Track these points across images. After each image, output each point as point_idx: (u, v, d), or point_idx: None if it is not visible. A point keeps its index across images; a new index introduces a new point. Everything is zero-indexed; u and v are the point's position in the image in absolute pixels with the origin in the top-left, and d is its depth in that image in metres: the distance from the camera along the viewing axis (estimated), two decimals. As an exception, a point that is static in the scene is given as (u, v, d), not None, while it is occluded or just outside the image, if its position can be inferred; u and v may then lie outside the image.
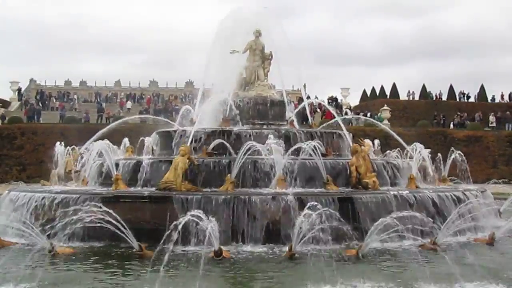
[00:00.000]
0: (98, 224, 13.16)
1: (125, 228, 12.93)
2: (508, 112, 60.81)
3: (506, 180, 29.10)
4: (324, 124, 26.79)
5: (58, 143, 22.53)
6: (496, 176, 39.51)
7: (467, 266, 11.01)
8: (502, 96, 71.56)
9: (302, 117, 24.62)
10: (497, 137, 52.75)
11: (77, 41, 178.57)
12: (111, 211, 13.21)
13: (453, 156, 22.57)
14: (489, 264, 11.99)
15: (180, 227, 11.95)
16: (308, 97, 46.17)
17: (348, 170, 17.15)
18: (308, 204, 13.39)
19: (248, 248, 13.68)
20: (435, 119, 58.93)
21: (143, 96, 78.75)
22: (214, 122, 21.43)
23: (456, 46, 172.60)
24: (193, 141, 18.77)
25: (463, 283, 9.76)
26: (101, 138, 20.16)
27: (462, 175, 23.82)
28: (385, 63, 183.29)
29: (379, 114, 56.28)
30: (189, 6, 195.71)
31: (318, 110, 55.22)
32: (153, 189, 16.34)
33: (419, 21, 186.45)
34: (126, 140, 22.71)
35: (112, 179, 17.12)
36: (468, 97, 71.84)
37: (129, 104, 66.82)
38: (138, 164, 17.88)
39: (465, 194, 17.37)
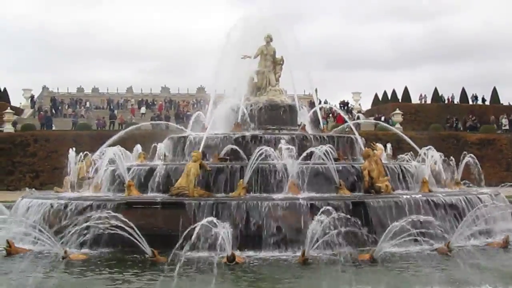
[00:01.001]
0: (111, 231, 13.21)
1: (138, 234, 12.96)
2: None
3: (520, 183, 28.82)
4: (336, 129, 26.75)
5: (70, 149, 22.58)
6: (509, 179, 39.16)
7: (481, 270, 10.96)
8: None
9: (314, 122, 24.53)
10: (510, 140, 52.47)
11: (89, 48, 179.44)
12: (124, 217, 13.27)
13: (466, 159, 22.45)
14: (503, 267, 11.92)
15: (193, 233, 11.98)
16: (321, 102, 46.13)
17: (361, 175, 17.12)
18: (321, 209, 13.38)
19: (261, 253, 13.68)
20: (448, 122, 58.69)
21: (155, 102, 78.92)
22: (226, 128, 21.44)
23: (467, 49, 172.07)
24: (205, 147, 18.77)
25: (475, 286, 9.70)
26: (114, 144, 20.21)
27: (475, 178, 23.67)
28: (396, 67, 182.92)
29: (392, 118, 56.10)
30: (201, 12, 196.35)
31: (330, 115, 55.19)
32: (166, 195, 16.36)
33: (430, 25, 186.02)
34: (138, 146, 22.74)
35: (124, 185, 17.16)
36: (484, 100, 71.44)
37: (143, 110, 67.02)
38: (151, 170, 17.91)
39: (478, 198, 17.27)
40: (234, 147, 18.68)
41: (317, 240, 12.57)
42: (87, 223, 13.73)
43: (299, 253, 12.78)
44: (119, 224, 13.08)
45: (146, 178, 17.72)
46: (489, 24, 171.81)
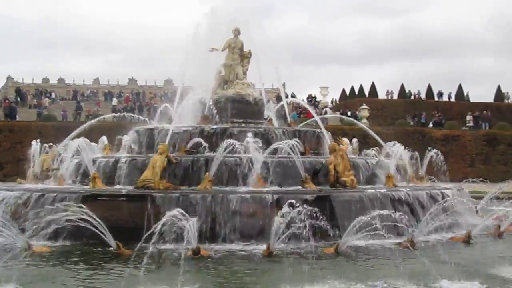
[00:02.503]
0: (76, 223, 13.08)
1: (102, 227, 12.86)
2: (485, 112, 61.46)
3: (483, 178, 29.27)
4: (303, 123, 26.86)
5: (34, 141, 22.30)
6: (473, 175, 39.71)
7: (442, 263, 11.09)
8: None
9: (282, 116, 24.64)
10: (474, 136, 53.25)
11: (55, 39, 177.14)
12: (88, 209, 13.15)
13: (430, 154, 22.72)
14: (464, 261, 12.10)
15: (158, 225, 11.93)
16: (288, 96, 46.21)
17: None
18: (286, 202, 13.43)
19: (226, 246, 13.68)
20: (415, 118, 59.35)
21: (122, 94, 78.34)
22: (192, 121, 21.40)
23: (434, 46, 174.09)
24: (172, 139, 18.71)
25: (438, 281, 9.85)
26: (79, 136, 20.01)
27: (439, 173, 23.96)
28: (364, 63, 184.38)
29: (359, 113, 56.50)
30: (169, 4, 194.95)
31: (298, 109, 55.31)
32: (131, 187, 16.27)
33: (397, 21, 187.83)
34: (104, 138, 22.56)
35: (89, 177, 17.02)
36: (450, 97, 72.40)
37: (114, 101, 66.52)
38: (117, 162, 17.80)
39: (442, 193, 17.53)
40: (201, 140, 18.65)
41: (282, 234, 12.59)
42: (51, 216, 13.54)
43: (264, 246, 12.80)
44: (84, 217, 12.94)
45: (111, 170, 17.63)
46: (456, 22, 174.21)
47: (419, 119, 59.18)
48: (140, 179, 16.06)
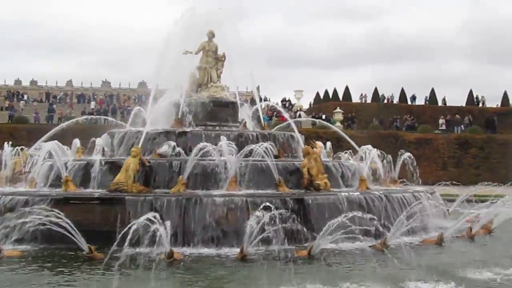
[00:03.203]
0: (48, 227, 12.95)
1: (74, 231, 12.75)
2: (457, 115, 62.10)
3: (455, 182, 29.60)
4: (278, 126, 26.90)
5: (6, 143, 22.02)
6: (445, 178, 40.08)
7: (414, 266, 11.19)
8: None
9: (256, 119, 24.66)
10: (447, 139, 53.80)
11: (27, 40, 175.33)
12: (60, 213, 13.02)
13: (403, 157, 22.88)
14: (436, 263, 12.22)
15: (131, 229, 11.86)
16: (261, 99, 46.26)
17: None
18: (260, 206, 13.44)
19: (199, 250, 13.63)
20: (394, 122, 59.78)
21: (95, 97, 77.82)
22: (166, 123, 21.32)
23: (407, 50, 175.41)
24: (145, 142, 18.63)
25: (409, 282, 9.95)
26: (52, 138, 19.83)
27: (412, 176, 24.14)
28: (338, 66, 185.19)
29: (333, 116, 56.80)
30: (143, 6, 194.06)
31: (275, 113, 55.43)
32: (104, 190, 16.15)
33: (371, 25, 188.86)
34: (76, 141, 22.37)
35: (61, 180, 16.86)
36: (427, 101, 73.03)
37: (92, 104, 66.00)
38: (89, 165, 17.65)
39: (414, 196, 17.67)
40: (174, 143, 18.59)
41: (256, 237, 12.60)
42: (23, 219, 13.41)
43: (238, 250, 12.78)
44: (56, 220, 12.82)
45: (84, 174, 17.47)
46: (428, 26, 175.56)
47: (392, 122, 59.57)
48: (113, 182, 15.95)
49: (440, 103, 72.53)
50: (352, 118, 59.39)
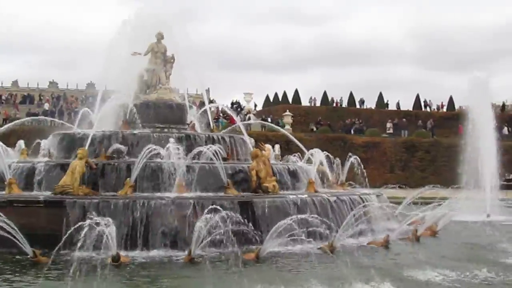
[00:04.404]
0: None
1: (18, 234, 12.48)
2: (404, 119, 63.16)
3: (402, 184, 30.06)
4: (227, 129, 26.88)
5: None
6: (392, 181, 40.76)
7: (360, 267, 11.33)
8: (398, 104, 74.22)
9: (205, 121, 24.60)
10: (394, 143, 54.66)
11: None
12: (4, 216, 12.73)
13: (350, 160, 23.11)
14: (381, 265, 12.39)
15: (77, 232, 11.68)
16: (211, 102, 46.15)
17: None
18: (208, 208, 13.39)
19: (147, 253, 13.54)
20: (346, 126, 60.43)
21: (42, 98, 76.41)
22: (114, 125, 21.06)
23: (355, 55, 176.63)
24: (92, 144, 18.37)
25: (354, 284, 10.07)
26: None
27: (359, 179, 24.40)
28: (287, 69, 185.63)
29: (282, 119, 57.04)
30: (91, 6, 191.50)
31: (221, 114, 55.32)
32: (49, 193, 15.86)
33: (319, 30, 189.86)
34: (21, 142, 21.88)
35: (5, 183, 16.48)
36: (387, 105, 73.91)
37: (46, 106, 64.65)
38: (34, 167, 17.31)
39: (361, 198, 17.88)
40: (121, 146, 18.37)
41: (204, 239, 12.55)
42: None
43: (185, 253, 12.71)
44: (-1, 224, 12.53)
45: (28, 176, 17.12)
46: (376, 31, 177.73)
47: (340, 126, 60.27)
48: (59, 184, 15.67)
49: (390, 107, 73.54)
50: (319, 122, 59.98)
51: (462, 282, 10.75)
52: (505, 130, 54.62)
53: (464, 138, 26.91)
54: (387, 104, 74.22)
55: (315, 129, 58.47)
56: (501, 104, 72.79)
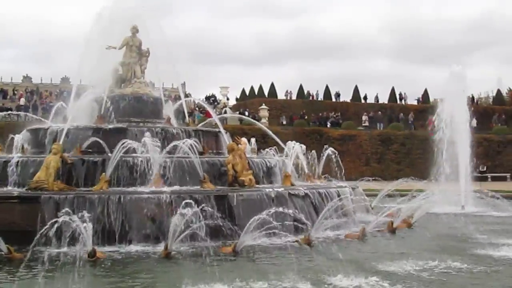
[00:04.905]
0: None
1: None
2: (379, 112, 63.58)
3: (377, 177, 30.30)
4: (203, 123, 26.83)
5: None
6: (368, 173, 41.11)
7: (336, 260, 11.36)
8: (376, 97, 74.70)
9: (181, 115, 24.53)
10: (370, 136, 55.04)
11: None
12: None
13: (326, 153, 23.20)
14: (356, 258, 12.44)
15: (52, 228, 11.60)
16: (186, 95, 46.04)
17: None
18: (184, 202, 13.36)
19: (123, 248, 13.45)
20: (319, 118, 60.65)
21: (15, 92, 75.59)
22: (89, 120, 20.89)
23: (331, 47, 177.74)
24: (66, 139, 18.21)
25: (330, 276, 10.13)
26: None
27: (336, 172, 24.51)
28: (263, 63, 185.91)
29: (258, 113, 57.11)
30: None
31: (197, 108, 55.16)
32: (24, 189, 15.71)
33: (294, 23, 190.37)
34: (-6, 137, 21.69)
35: (-22, 179, 16.32)
36: (367, 98, 74.27)
37: (22, 101, 63.92)
38: (7, 163, 17.12)
39: (338, 191, 17.96)
40: (97, 139, 18.24)
41: (181, 234, 12.53)
42: None
43: (162, 247, 12.67)
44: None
45: (2, 171, 16.93)
46: (352, 25, 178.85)
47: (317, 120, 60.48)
48: (33, 180, 15.53)
49: (367, 101, 73.98)
50: (303, 115, 60.17)
51: (435, 273, 10.86)
52: (474, 122, 55.36)
53: (438, 130, 27.08)
54: (365, 98, 74.65)
55: (284, 122, 58.68)
56: (471, 96, 73.58)
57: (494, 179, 49.82)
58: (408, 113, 64.25)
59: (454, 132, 26.41)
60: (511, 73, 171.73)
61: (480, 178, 42.44)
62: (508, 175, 53.44)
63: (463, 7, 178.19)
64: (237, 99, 71.08)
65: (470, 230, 16.16)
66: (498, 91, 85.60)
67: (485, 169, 48.93)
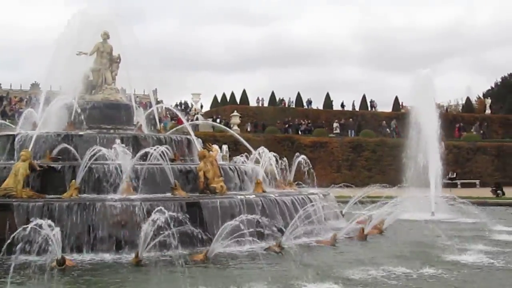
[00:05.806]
0: None
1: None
2: (351, 119, 64.00)
3: (349, 184, 30.43)
4: (174, 129, 26.74)
5: None
6: (339, 180, 41.25)
7: (306, 267, 11.41)
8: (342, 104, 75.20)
9: (152, 122, 24.44)
10: (341, 143, 55.36)
11: None
12: None
13: (298, 160, 23.27)
14: (327, 263, 12.50)
15: (21, 236, 11.44)
16: (158, 102, 45.85)
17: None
18: (155, 210, 13.28)
19: (93, 256, 13.31)
20: (288, 125, 60.82)
21: (-16, 98, 74.59)
22: (59, 126, 20.66)
23: (303, 55, 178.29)
24: (36, 146, 18.00)
25: (299, 282, 10.17)
26: None
27: (307, 179, 24.58)
28: (234, 70, 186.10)
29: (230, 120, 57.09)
30: (35, 4, 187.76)
31: (169, 115, 55.01)
32: (-9, 196, 15.48)
33: (266, 31, 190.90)
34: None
35: None
36: (343, 105, 74.58)
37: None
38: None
39: (309, 198, 18.00)
40: (67, 146, 18.07)
41: (151, 241, 12.45)
42: None
43: (133, 255, 12.58)
44: None
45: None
46: (323, 32, 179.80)
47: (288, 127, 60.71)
48: (1, 187, 15.32)
49: (340, 108, 74.42)
50: (287, 122, 60.36)
51: (404, 279, 10.94)
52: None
53: (408, 137, 27.30)
54: (342, 105, 75.11)
55: (249, 129, 58.86)
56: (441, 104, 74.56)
57: (464, 185, 50.41)
58: (389, 121, 64.51)
59: (424, 138, 26.60)
60: (481, 81, 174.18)
61: (450, 184, 42.98)
62: (477, 181, 54.06)
63: (433, 16, 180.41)
64: (202, 106, 70.96)
65: (439, 236, 16.30)
66: (468, 99, 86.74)
67: (454, 175, 49.48)
